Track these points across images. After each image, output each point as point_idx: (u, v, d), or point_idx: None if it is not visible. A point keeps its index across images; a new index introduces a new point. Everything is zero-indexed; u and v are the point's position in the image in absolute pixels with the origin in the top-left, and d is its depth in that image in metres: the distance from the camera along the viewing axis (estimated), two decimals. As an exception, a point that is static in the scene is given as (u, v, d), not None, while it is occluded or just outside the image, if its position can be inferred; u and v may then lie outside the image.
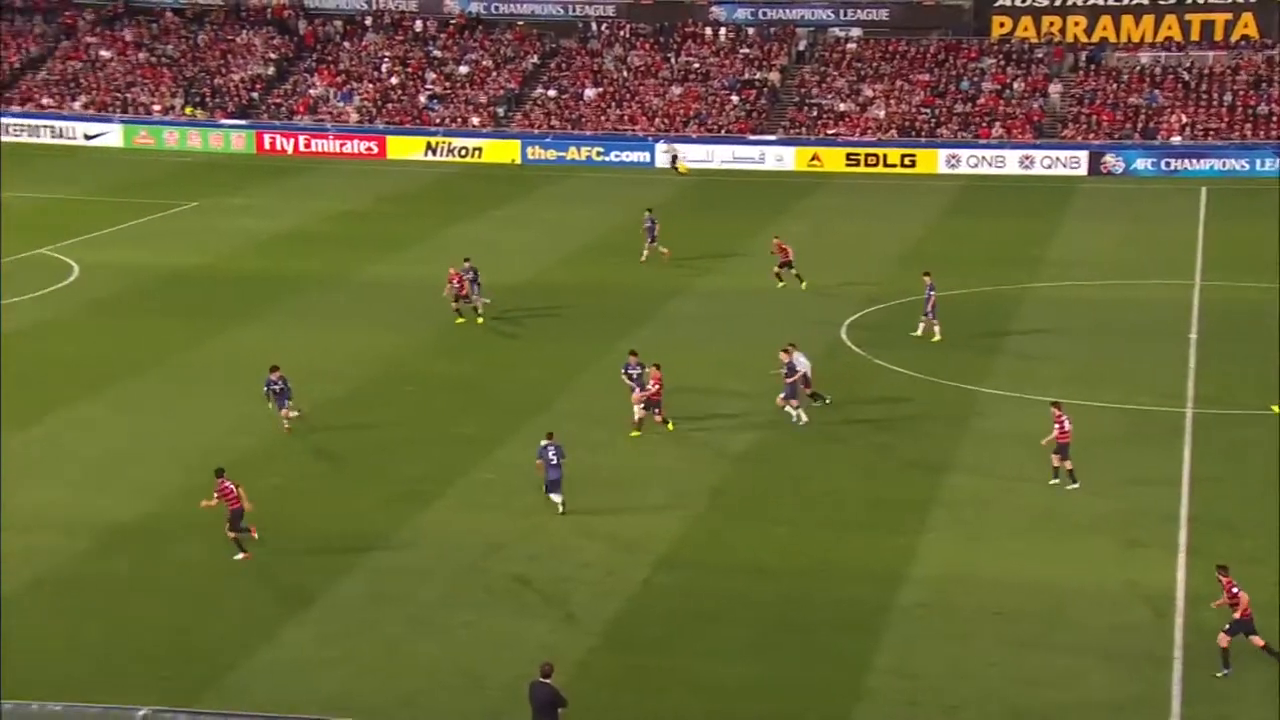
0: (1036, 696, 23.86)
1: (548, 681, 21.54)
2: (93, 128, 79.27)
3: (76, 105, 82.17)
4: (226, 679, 24.02)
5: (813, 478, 32.88)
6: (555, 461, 30.49)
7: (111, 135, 78.91)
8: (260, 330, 44.08)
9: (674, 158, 73.30)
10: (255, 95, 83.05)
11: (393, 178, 71.07)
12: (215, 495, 28.21)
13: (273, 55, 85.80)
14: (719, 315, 46.14)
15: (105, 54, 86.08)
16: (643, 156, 74.78)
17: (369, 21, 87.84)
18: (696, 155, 74.67)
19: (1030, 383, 38.27)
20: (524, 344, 42.63)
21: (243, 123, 79.86)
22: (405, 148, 76.93)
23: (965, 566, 28.31)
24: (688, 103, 79.60)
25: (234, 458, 33.33)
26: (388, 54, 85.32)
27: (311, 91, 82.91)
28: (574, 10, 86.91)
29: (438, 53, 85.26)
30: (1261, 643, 24.40)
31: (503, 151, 76.25)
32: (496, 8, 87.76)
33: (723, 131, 77.37)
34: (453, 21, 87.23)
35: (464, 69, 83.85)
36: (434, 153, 76.57)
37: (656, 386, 35.13)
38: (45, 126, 79.37)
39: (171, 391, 38.04)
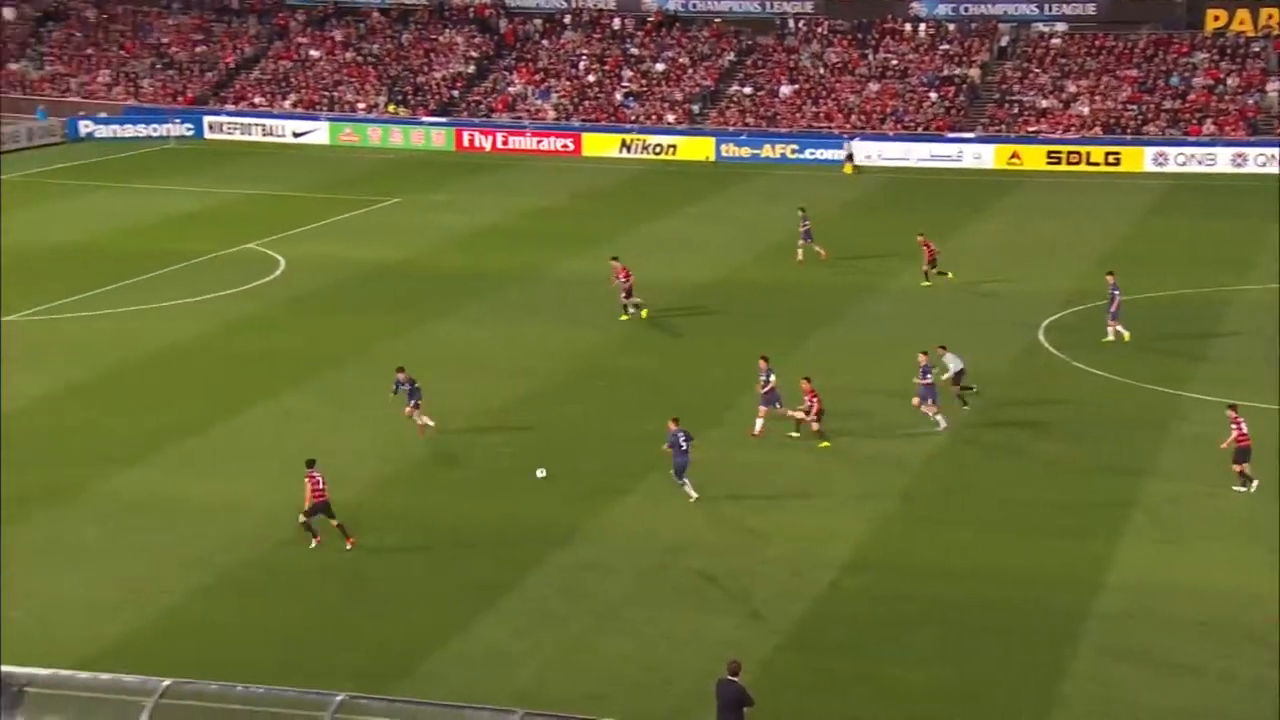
0: (1246, 713, 23.12)
1: (735, 680, 21.52)
2: (301, 125, 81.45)
3: (286, 104, 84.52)
4: (420, 668, 24.49)
5: (1005, 481, 32.31)
6: (684, 447, 30.74)
7: (318, 133, 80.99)
8: (457, 324, 44.83)
9: (849, 156, 72.75)
10: (456, 93, 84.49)
11: (587, 175, 71.68)
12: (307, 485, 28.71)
13: (473, 54, 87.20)
14: (912, 315, 45.61)
15: (314, 54, 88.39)
16: (837, 154, 74.25)
17: (568, 20, 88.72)
18: (892, 153, 73.89)
19: (1235, 388, 37.07)
20: (713, 341, 42.64)
21: (443, 120, 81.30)
22: (600, 145, 77.52)
23: (1165, 574, 27.57)
24: (884, 100, 78.82)
25: (427, 452, 33.98)
26: (585, 52, 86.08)
27: (510, 89, 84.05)
28: (771, 7, 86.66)
29: (635, 50, 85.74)
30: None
31: (697, 149, 76.36)
32: (694, 5, 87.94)
33: (919, 129, 76.44)
34: (650, 19, 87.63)
35: (660, 66, 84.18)
36: (628, 150, 77.02)
37: (812, 403, 34.12)
38: (256, 124, 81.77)
39: (371, 384, 38.88)
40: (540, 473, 31.45)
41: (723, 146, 76.03)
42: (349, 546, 28.79)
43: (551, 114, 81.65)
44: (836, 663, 24.78)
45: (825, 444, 34.29)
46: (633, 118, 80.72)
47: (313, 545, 28.76)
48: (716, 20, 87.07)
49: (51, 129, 79.43)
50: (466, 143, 78.96)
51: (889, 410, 36.36)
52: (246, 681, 21.99)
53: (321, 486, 28.76)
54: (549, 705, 22.82)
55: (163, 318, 44.76)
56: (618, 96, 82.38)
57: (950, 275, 48.91)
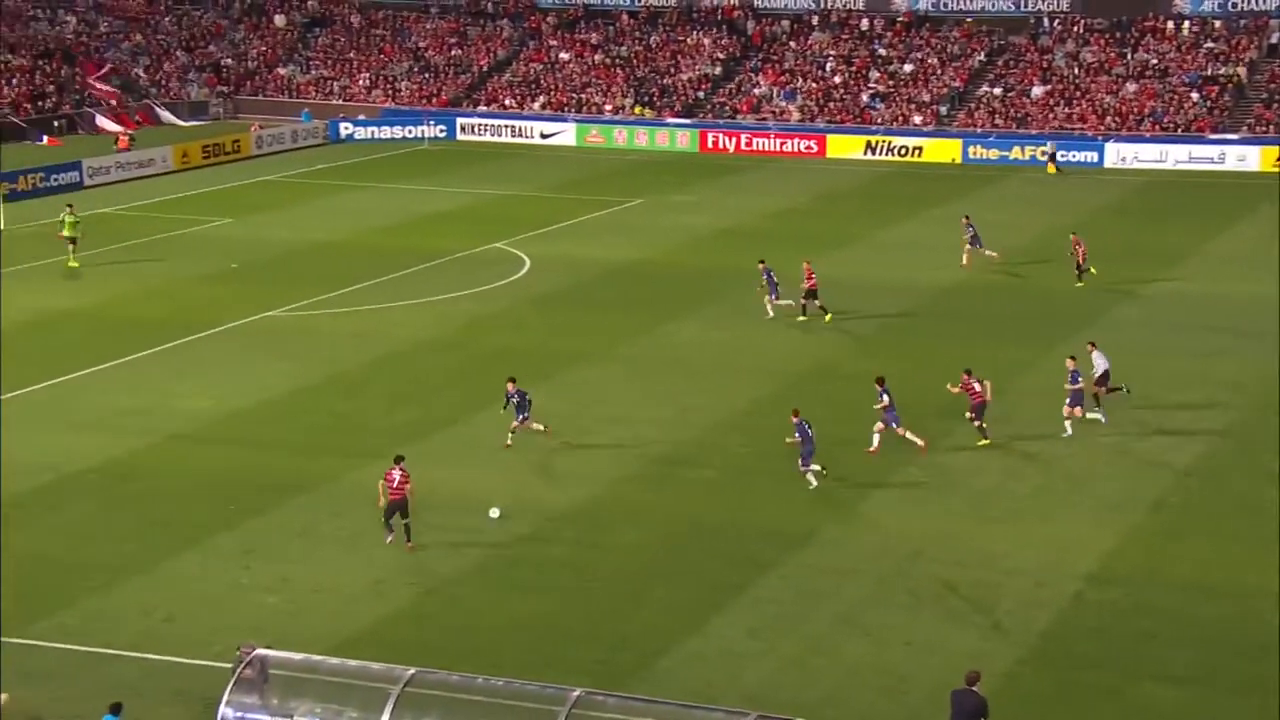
0: None
1: (974, 690, 21.05)
2: (549, 127, 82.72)
3: (535, 105, 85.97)
4: (655, 665, 24.55)
5: (1265, 494, 30.95)
6: (810, 434, 31.38)
7: (565, 134, 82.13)
8: (696, 324, 44.93)
9: (1051, 155, 70.95)
10: (701, 94, 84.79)
11: (831, 176, 71.18)
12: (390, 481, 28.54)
13: (720, 55, 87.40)
14: (1167, 322, 44.13)
15: (564, 56, 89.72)
16: (1090, 156, 72.31)
17: (815, 20, 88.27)
18: (1149, 155, 71.63)
19: None
20: (959, 345, 41.85)
21: (688, 121, 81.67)
22: (845, 146, 76.91)
23: None
24: (1142, 100, 76.47)
25: (668, 450, 34.09)
26: (833, 53, 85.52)
27: (755, 90, 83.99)
28: (1027, 6, 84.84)
29: (883, 51, 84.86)
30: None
31: (943, 151, 75.19)
32: (945, 4, 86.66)
33: (1179, 130, 73.94)
34: (900, 19, 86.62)
35: (908, 67, 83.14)
36: (873, 151, 76.24)
37: (980, 388, 33.86)
38: (506, 126, 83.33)
39: (613, 382, 39.21)
40: (494, 513, 29.88)
41: (970, 148, 74.71)
42: (409, 549, 28.53)
43: (796, 115, 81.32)
44: (1082, 677, 24.04)
45: (984, 442, 33.57)
46: (879, 119, 79.87)
47: (388, 540, 28.74)
48: (968, 20, 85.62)
49: (314, 131, 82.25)
50: (711, 144, 79.17)
51: (1144, 418, 35.20)
52: (487, 673, 22.35)
53: (398, 484, 28.51)
54: (782, 708, 22.64)
55: (413, 314, 45.88)
56: (864, 98, 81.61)
57: (1093, 270, 48.22)
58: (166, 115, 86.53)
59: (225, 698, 20.56)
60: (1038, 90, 79.07)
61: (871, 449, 33.56)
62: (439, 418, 36.49)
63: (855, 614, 26.11)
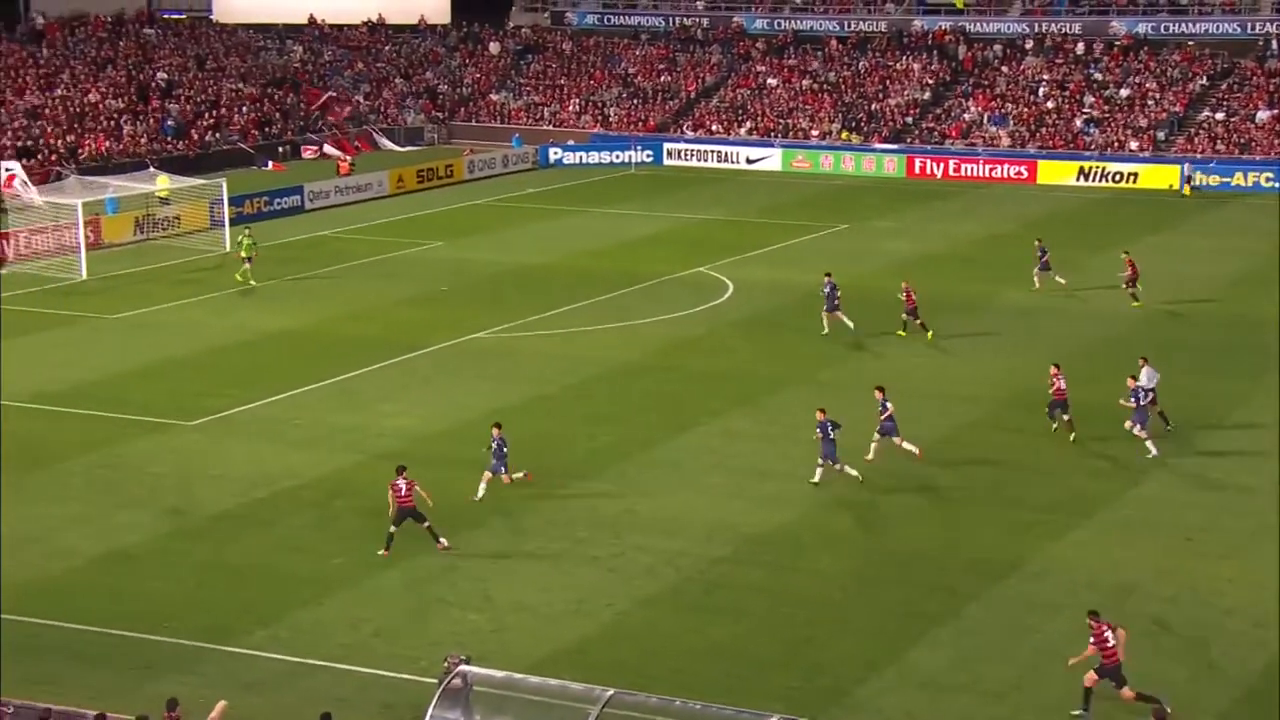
0: None
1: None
2: (755, 152, 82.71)
3: (742, 130, 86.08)
4: (853, 694, 24.23)
5: None
6: (832, 436, 32.56)
7: (771, 159, 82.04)
8: (902, 350, 44.43)
9: (1188, 178, 68.88)
10: (909, 120, 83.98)
11: (1041, 202, 69.84)
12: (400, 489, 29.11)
13: (929, 80, 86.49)
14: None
15: (771, 81, 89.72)
16: (1317, 182, 69.71)
17: (1029, 45, 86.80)
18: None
19: None
20: (1172, 375, 40.62)
21: (895, 147, 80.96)
22: (1056, 172, 75.39)
23: None
24: (1371, 124, 73.54)
25: (867, 475, 33.67)
26: (1045, 77, 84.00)
27: (965, 116, 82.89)
28: (1253, 28, 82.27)
29: (1098, 75, 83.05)
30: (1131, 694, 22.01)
31: (1160, 177, 73.23)
32: (1166, 28, 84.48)
33: None
34: (1117, 43, 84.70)
35: (1125, 92, 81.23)
36: (1086, 178, 74.60)
37: (1059, 386, 34.92)
38: (713, 151, 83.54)
39: (814, 407, 39.02)
40: (482, 488, 31.44)
41: (1190, 174, 72.59)
42: (440, 548, 29.14)
43: (1006, 141, 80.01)
44: (1299, 723, 23.07)
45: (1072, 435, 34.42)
46: (1092, 145, 78.13)
47: (381, 554, 29.15)
48: (1189, 43, 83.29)
49: (525, 156, 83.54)
50: (918, 169, 78.33)
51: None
52: (685, 696, 22.31)
53: (405, 492, 29.20)
54: (983, 742, 22.15)
55: (617, 337, 46.22)
56: (1077, 123, 79.94)
57: (1136, 294, 48.25)
58: (384, 141, 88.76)
59: (431, 711, 20.87)
60: (1263, 114, 76.52)
61: (869, 457, 33.70)
62: (639, 439, 36.65)
63: (1060, 648, 25.42)
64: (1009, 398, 39.28)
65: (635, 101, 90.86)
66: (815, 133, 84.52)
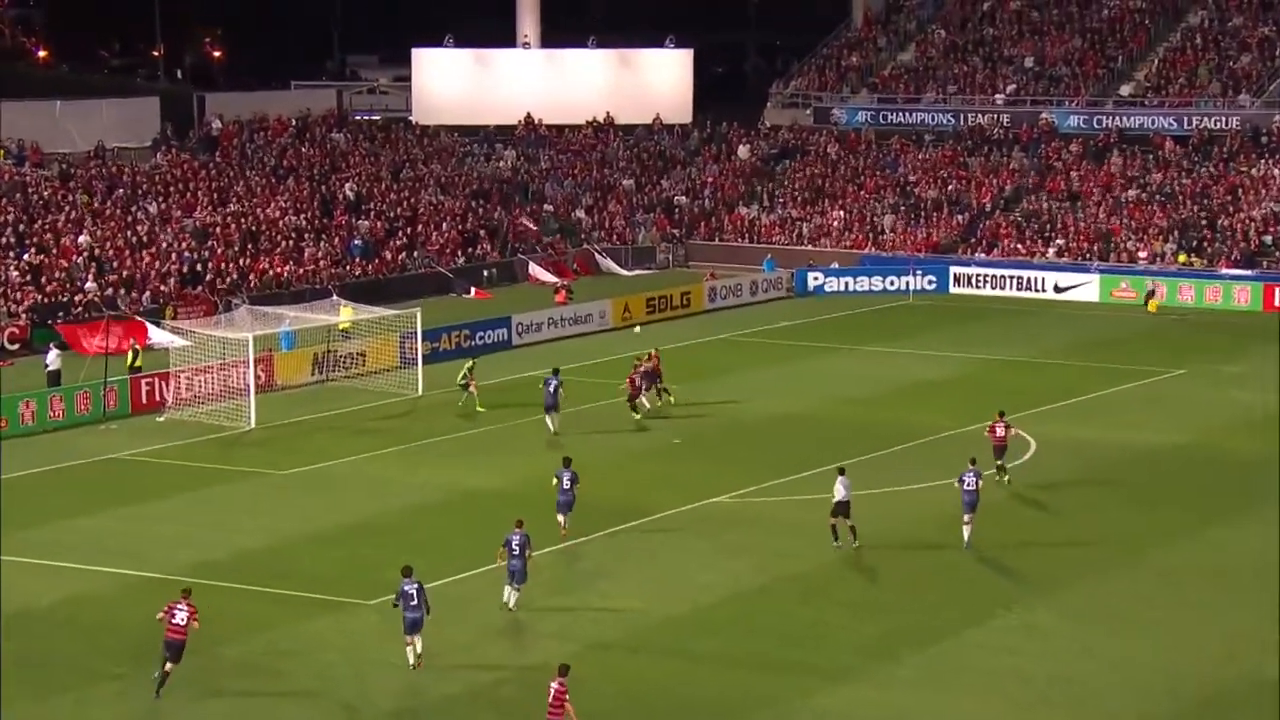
0: None
1: None
2: (1066, 278, 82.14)
3: (1050, 252, 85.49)
4: None
5: None
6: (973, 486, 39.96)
7: (1087, 287, 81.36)
8: (1255, 528, 43.41)
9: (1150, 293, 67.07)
10: (1267, 239, 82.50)
11: None
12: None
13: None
14: None
15: (1088, 190, 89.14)
16: None
17: None
18: None
19: None
20: None
21: (1248, 273, 79.62)
22: None
23: None
24: None
25: (1207, 690, 32.89)
26: None
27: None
28: None
29: None
30: None
31: None
32: None
33: None
34: None
35: None
36: None
37: None
38: (1012, 276, 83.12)
39: (1139, 598, 38.28)
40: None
41: None
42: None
43: (1395, 265, 78.08)
44: None
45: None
46: None
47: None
48: None
49: (778, 281, 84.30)
50: (1278, 301, 76.86)
51: None
52: None
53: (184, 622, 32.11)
54: None
55: (889, 503, 46.15)
56: None
57: None
58: (608, 263, 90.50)
59: None
60: None
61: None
62: (916, 630, 36.46)
63: None
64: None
65: (915, 215, 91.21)
66: (1143, 255, 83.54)
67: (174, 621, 32.63)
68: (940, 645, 35.82)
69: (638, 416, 55.82)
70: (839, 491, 42.12)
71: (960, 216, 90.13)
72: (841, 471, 42.65)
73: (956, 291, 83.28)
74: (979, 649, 35.52)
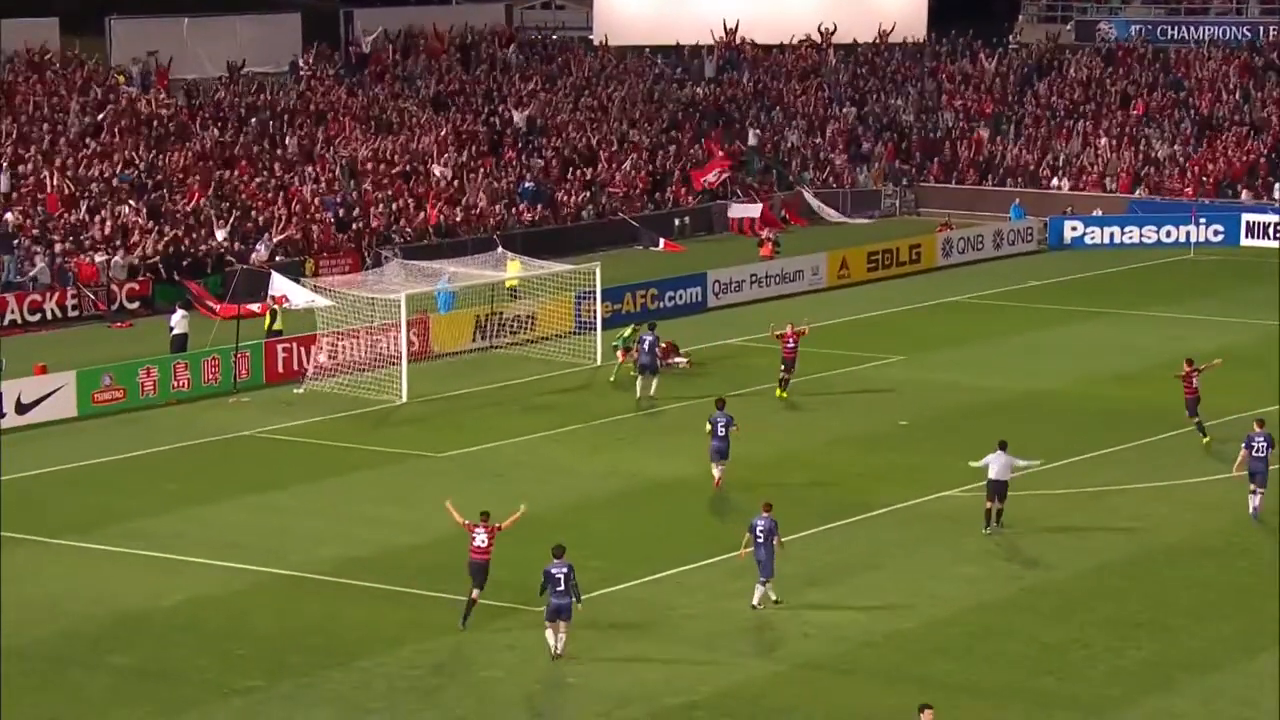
0: None
1: None
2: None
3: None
4: None
5: None
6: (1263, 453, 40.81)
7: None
8: None
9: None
10: None
11: None
12: None
13: None
14: None
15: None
16: None
17: None
18: None
19: None
20: None
21: None
22: None
23: None
24: None
25: None
26: None
27: None
28: None
29: None
30: None
31: None
32: None
33: None
34: None
35: None
36: None
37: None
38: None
39: None
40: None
41: None
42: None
43: None
44: None
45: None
46: None
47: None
48: None
49: (1027, 232, 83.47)
50: None
51: None
52: None
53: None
54: None
55: (1162, 501, 45.91)
56: None
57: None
58: (824, 209, 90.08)
59: None
60: None
61: None
62: (1190, 657, 36.06)
63: None
64: None
65: (1198, 146, 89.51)
66: None
67: (475, 544, 36.09)
68: (1221, 673, 35.34)
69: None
70: (994, 469, 42.55)
71: (1255, 141, 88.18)
72: (1003, 446, 42.82)
73: (1249, 244, 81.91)
74: (1271, 679, 34.95)
